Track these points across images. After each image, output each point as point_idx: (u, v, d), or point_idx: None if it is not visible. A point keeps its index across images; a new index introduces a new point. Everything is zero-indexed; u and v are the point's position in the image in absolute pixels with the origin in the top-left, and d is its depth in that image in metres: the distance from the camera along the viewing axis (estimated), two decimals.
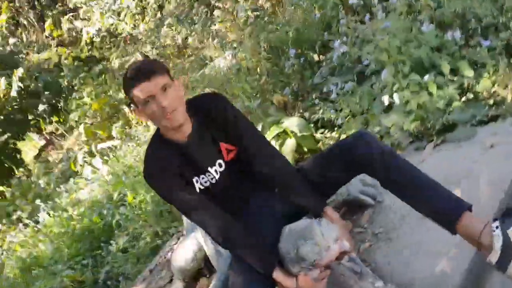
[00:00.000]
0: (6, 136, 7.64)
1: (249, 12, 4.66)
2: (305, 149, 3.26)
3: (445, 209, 1.55)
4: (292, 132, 3.18)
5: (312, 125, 3.23)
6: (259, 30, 4.14)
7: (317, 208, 1.75)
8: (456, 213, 1.53)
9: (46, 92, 7.97)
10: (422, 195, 1.60)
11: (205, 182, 1.78)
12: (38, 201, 5.55)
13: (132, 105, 1.72)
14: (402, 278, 1.81)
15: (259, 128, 3.36)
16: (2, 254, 5.29)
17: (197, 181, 1.77)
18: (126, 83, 1.67)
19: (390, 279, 1.83)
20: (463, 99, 2.51)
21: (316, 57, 3.50)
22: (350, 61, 3.10)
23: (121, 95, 6.21)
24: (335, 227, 1.66)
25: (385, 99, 2.59)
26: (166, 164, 1.73)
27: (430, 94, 2.53)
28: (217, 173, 1.78)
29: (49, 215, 5.34)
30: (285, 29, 3.94)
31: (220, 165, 1.79)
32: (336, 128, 3.01)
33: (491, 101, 2.44)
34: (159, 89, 1.61)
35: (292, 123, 3.21)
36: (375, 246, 2.04)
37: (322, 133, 3.17)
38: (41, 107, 7.81)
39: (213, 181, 1.78)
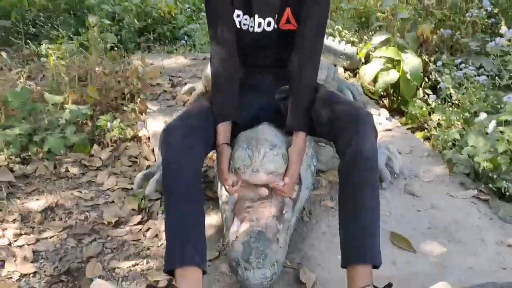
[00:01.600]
0: None
1: None
2: (395, 93, 2.96)
3: (351, 250, 1.40)
4: (404, 70, 2.85)
5: (426, 80, 2.86)
6: None
7: (295, 126, 1.59)
8: (357, 259, 1.37)
9: None
10: (349, 222, 1.42)
11: (244, 24, 1.68)
12: None
13: None
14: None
15: (384, 34, 3.04)
16: None
17: (238, 16, 1.67)
18: None
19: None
20: None
21: (504, 28, 2.91)
22: None
23: None
24: (282, 162, 1.52)
25: (482, 116, 2.19)
26: None
27: None
28: (259, 27, 1.67)
29: None
30: None
31: (268, 24, 1.67)
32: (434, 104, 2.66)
33: None
34: None
35: (412, 62, 2.86)
36: (321, 214, 1.94)
37: (426, 93, 2.82)
38: None
39: (250, 29, 1.68)
